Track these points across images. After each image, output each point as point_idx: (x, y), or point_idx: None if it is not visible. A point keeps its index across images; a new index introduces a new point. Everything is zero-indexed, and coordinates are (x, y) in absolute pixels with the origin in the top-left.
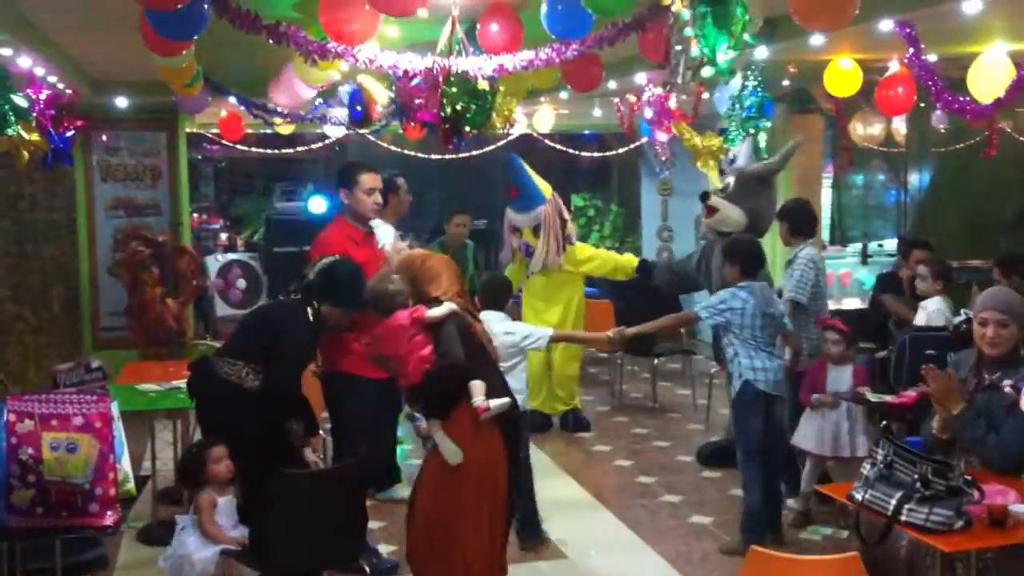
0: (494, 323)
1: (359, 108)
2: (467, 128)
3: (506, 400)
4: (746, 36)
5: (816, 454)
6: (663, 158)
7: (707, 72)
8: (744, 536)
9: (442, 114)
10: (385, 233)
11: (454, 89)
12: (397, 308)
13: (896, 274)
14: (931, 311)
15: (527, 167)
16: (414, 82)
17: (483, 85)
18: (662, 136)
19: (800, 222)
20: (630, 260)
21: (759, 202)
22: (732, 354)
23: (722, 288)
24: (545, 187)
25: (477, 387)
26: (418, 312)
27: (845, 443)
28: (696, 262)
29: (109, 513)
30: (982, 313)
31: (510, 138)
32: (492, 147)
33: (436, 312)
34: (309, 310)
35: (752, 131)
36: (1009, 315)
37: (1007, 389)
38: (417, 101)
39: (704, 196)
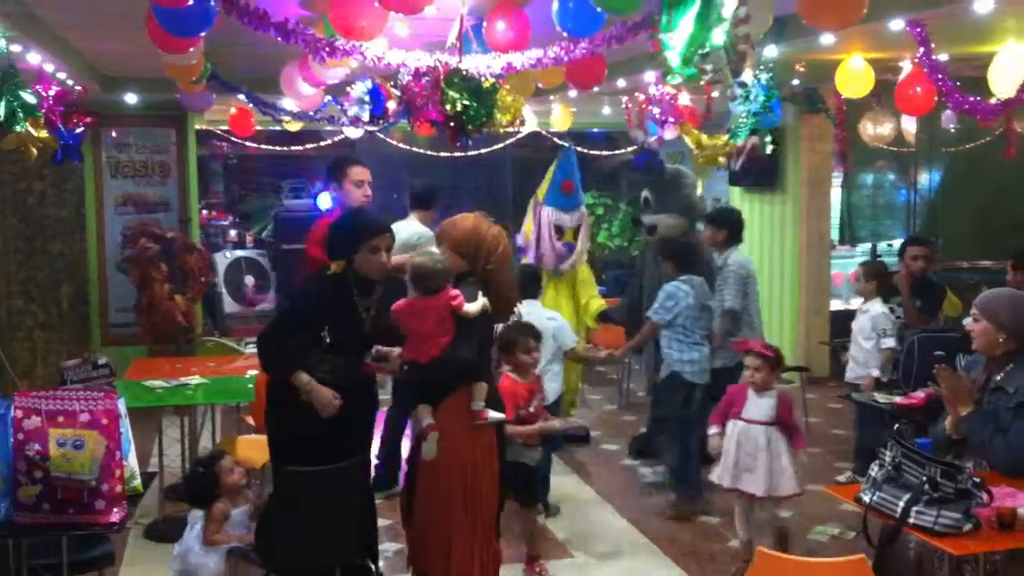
0: (534, 310)
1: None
2: (470, 127)
3: (501, 415)
4: (717, 37)
5: (739, 491)
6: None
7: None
8: (679, 496)
9: (445, 112)
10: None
11: (454, 88)
12: (439, 288)
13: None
14: (875, 314)
15: (575, 160)
16: (422, 80)
17: (488, 83)
18: (669, 134)
19: (737, 230)
20: (597, 307)
21: (680, 197)
22: (664, 345)
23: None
24: None
25: (481, 390)
26: (457, 301)
27: (771, 481)
28: (639, 280)
29: (115, 510)
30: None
31: (518, 136)
32: (501, 145)
33: (472, 308)
34: (320, 282)
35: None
36: (980, 310)
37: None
38: (419, 101)
39: (636, 221)
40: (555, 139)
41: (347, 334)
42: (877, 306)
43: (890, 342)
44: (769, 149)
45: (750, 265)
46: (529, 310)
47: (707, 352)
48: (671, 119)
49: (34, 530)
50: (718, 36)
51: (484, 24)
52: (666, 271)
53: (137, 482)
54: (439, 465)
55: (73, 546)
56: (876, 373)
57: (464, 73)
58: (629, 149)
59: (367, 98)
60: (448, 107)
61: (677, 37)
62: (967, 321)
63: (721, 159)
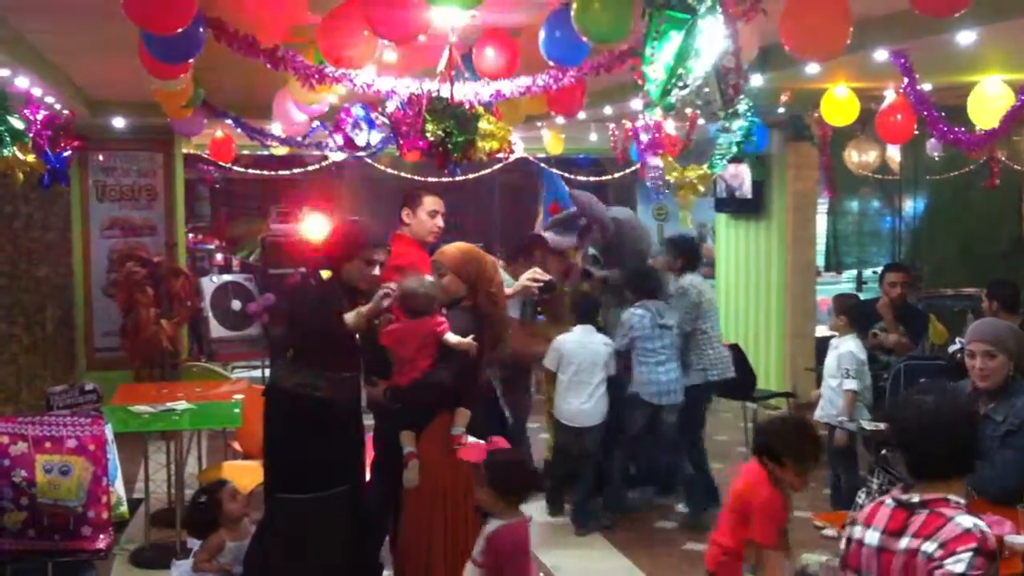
0: (587, 333)
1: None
2: (455, 154)
3: (482, 443)
4: (698, 69)
5: None
6: (658, 183)
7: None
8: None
9: (428, 140)
10: None
11: (436, 115)
12: (425, 311)
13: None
14: (842, 353)
15: (559, 180)
16: (390, 107)
17: (475, 110)
18: (656, 161)
19: (693, 257)
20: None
21: (626, 251)
22: (634, 367)
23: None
24: None
25: (463, 416)
26: (442, 328)
27: None
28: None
29: (102, 536)
30: (970, 345)
31: (507, 162)
32: (489, 170)
33: (454, 340)
34: (320, 290)
35: (739, 157)
36: (996, 346)
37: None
38: (404, 127)
39: (588, 274)
40: (543, 165)
41: (343, 343)
42: (848, 343)
43: (852, 384)
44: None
45: (702, 286)
46: (583, 334)
47: (673, 373)
48: (652, 149)
49: (20, 556)
50: (699, 69)
51: (473, 51)
52: (627, 298)
53: (123, 508)
54: (421, 492)
55: (58, 573)
56: (842, 418)
57: (446, 101)
58: (617, 175)
59: (363, 124)
60: (429, 135)
61: (657, 70)
62: (953, 349)
63: (701, 188)
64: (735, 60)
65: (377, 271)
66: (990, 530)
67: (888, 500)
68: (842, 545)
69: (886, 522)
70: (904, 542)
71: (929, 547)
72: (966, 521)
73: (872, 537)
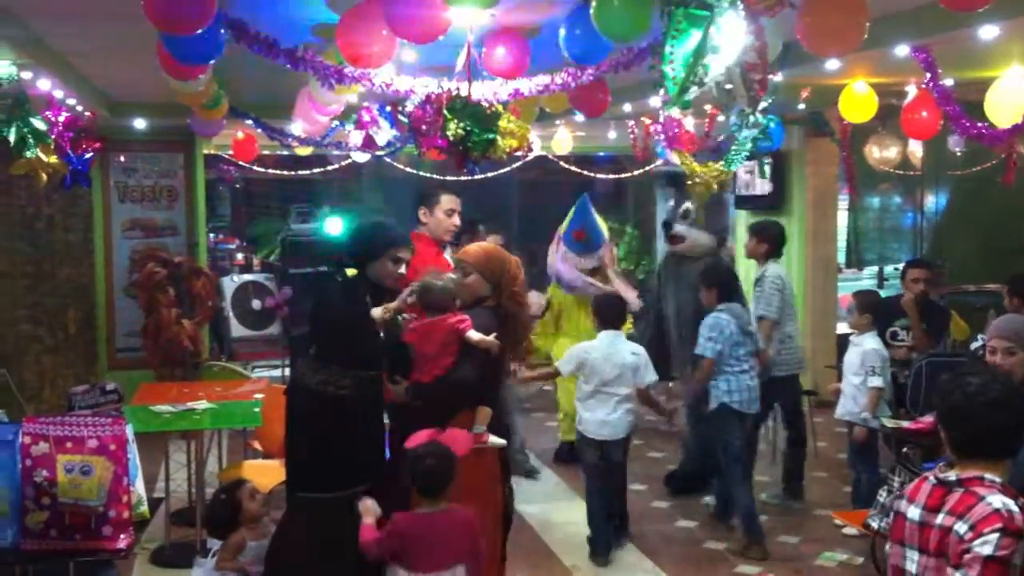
0: (614, 342)
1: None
2: (474, 153)
3: (503, 441)
4: (716, 67)
5: None
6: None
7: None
8: (751, 535)
9: (448, 138)
10: None
11: (456, 114)
12: (442, 305)
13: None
14: (866, 350)
15: (591, 209)
16: (410, 106)
17: (494, 108)
18: (675, 158)
19: (779, 244)
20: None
21: (720, 219)
22: (717, 375)
23: (691, 311)
24: (603, 227)
25: (484, 415)
26: (464, 325)
27: None
28: (657, 286)
29: (122, 536)
30: (991, 341)
31: (525, 160)
32: (507, 169)
33: (476, 338)
34: (345, 288)
35: (755, 153)
36: (1016, 342)
37: None
38: (424, 127)
39: (668, 225)
40: (561, 163)
41: (368, 341)
42: (870, 341)
43: (877, 381)
44: (767, 174)
45: (786, 277)
46: (611, 342)
47: (756, 380)
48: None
49: (41, 556)
50: (718, 66)
51: (483, 50)
52: (707, 299)
53: (144, 508)
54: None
55: (80, 572)
56: (865, 415)
57: (466, 99)
58: (636, 172)
59: (383, 120)
60: (450, 134)
61: (676, 68)
62: (975, 346)
63: (715, 186)
64: (759, 56)
65: (403, 269)
66: (1019, 511)
67: (931, 477)
68: (890, 518)
69: (926, 498)
70: (940, 519)
71: (961, 527)
72: (996, 501)
73: (914, 513)
